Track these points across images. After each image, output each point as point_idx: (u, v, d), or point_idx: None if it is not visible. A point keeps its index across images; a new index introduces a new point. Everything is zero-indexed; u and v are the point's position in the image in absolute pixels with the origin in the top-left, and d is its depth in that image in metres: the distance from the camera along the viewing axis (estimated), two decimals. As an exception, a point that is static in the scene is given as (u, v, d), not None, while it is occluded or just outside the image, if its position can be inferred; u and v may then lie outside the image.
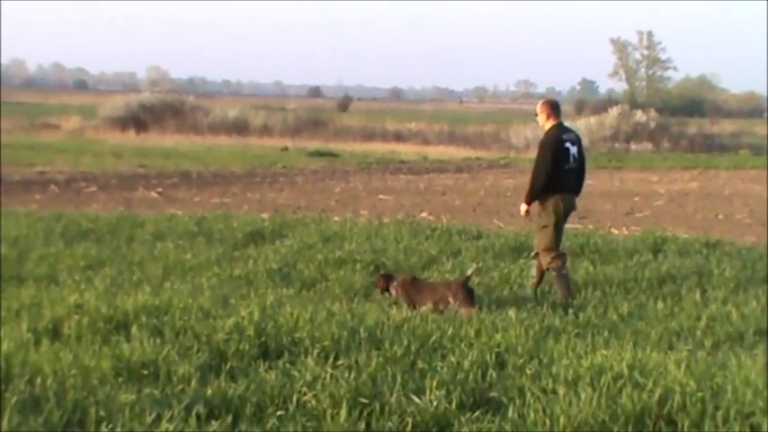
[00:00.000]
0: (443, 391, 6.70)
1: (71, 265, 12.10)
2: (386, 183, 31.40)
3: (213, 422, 6.08)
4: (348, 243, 14.08)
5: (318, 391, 6.59)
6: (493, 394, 6.87)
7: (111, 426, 5.95)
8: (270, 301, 9.52)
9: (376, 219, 18.40)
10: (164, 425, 5.96)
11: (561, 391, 6.76)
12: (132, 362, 7.21)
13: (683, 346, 8.57)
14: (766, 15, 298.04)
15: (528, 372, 7.37)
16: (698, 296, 11.02)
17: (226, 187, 27.67)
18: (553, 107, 11.13)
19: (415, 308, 9.80)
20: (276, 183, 29.92)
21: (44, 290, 10.01)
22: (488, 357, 7.71)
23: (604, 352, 7.77)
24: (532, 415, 6.37)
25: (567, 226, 11.68)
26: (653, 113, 62.31)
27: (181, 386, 6.75)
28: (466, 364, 7.44)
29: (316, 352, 7.70)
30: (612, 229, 18.63)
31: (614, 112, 61.08)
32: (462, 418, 6.32)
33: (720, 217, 22.76)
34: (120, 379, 6.91)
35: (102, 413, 6.11)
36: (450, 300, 9.74)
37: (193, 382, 6.81)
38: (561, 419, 6.27)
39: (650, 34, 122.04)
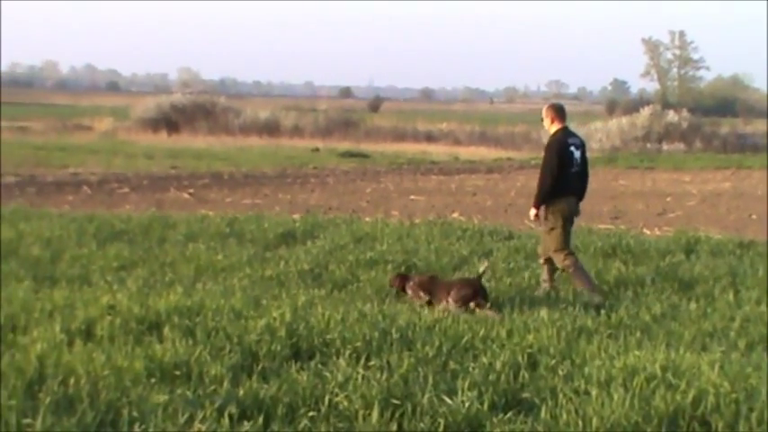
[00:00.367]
0: (475, 392, 6.69)
1: (104, 266, 12.14)
2: (417, 183, 31.39)
3: (245, 423, 6.10)
4: (379, 244, 14.09)
5: (350, 391, 6.59)
6: (525, 395, 6.86)
7: (143, 426, 5.98)
8: (301, 301, 9.54)
9: (407, 219, 18.41)
10: (196, 425, 5.99)
11: (594, 392, 6.75)
12: (165, 362, 7.25)
13: (717, 347, 8.52)
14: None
15: (560, 372, 7.36)
16: (731, 297, 10.95)
17: (257, 188, 27.73)
18: (558, 111, 11.38)
19: (430, 304, 9.94)
20: (307, 183, 29.96)
21: (77, 291, 10.03)
22: (520, 358, 7.70)
23: (637, 353, 7.75)
24: (565, 416, 6.35)
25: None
26: (685, 113, 62.15)
27: (213, 387, 6.77)
28: (498, 364, 7.44)
29: (347, 353, 7.72)
30: (645, 230, 18.52)
31: (646, 112, 60.98)
32: (495, 419, 6.32)
33: (754, 217, 22.59)
34: (153, 380, 6.94)
35: (134, 414, 6.14)
36: (466, 296, 9.83)
37: (225, 383, 6.82)
38: (594, 421, 6.25)
39: (682, 34, 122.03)
